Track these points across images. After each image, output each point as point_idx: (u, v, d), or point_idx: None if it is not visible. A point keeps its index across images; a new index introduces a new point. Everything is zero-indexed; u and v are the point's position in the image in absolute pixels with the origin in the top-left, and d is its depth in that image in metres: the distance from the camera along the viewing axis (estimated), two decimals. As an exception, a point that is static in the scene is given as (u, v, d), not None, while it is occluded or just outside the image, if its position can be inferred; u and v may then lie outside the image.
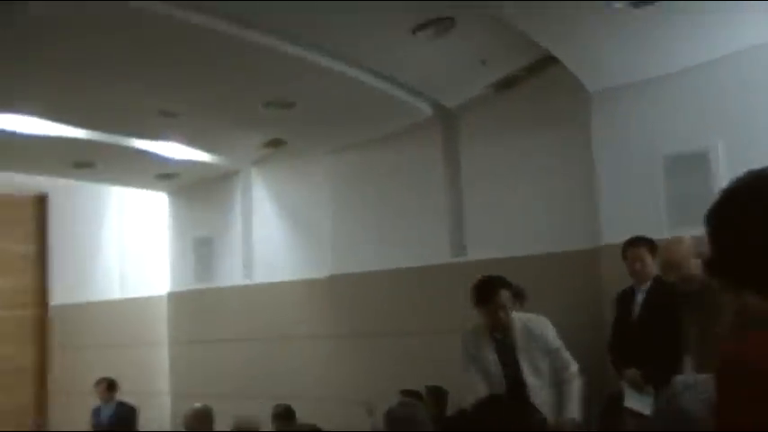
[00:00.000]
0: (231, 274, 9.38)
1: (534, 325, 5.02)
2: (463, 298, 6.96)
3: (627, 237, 5.45)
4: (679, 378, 2.69)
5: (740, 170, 4.87)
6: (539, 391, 4.86)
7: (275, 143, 8.43)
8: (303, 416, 6.85)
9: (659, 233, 5.48)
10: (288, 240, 8.91)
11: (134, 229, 10.60)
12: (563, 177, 6.69)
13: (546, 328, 5.03)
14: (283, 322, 8.68)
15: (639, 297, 5.32)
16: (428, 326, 7.37)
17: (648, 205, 5.82)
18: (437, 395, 6.64)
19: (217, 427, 6.54)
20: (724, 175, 5.41)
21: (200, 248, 9.73)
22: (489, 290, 4.92)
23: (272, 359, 8.68)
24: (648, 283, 5.25)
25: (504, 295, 4.92)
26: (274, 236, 9.01)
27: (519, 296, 5.94)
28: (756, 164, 4.91)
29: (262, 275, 9.07)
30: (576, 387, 4.91)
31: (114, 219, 10.77)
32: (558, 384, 4.95)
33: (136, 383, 9.35)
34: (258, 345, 8.88)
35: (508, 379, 4.97)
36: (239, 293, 9.22)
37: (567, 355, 5.02)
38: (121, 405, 8.65)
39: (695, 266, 4.19)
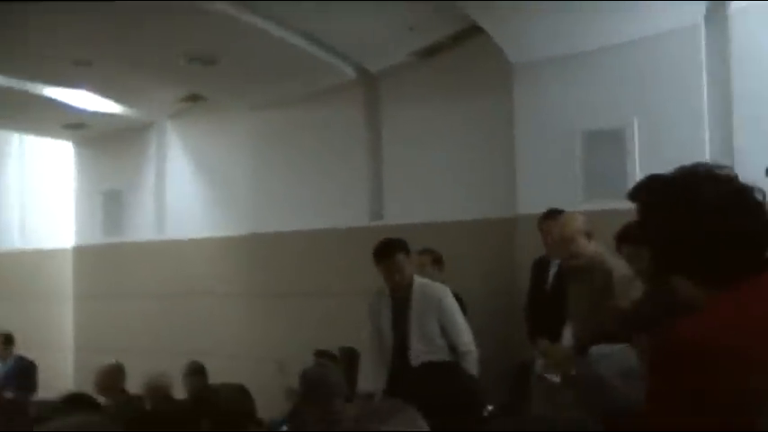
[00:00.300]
0: (142, 228, 9.18)
1: (433, 291, 5.13)
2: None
3: (542, 208, 5.61)
4: (595, 348, 2.81)
5: (654, 148, 5.08)
6: (421, 357, 4.92)
7: (193, 98, 8.24)
8: (214, 373, 6.81)
9: (574, 206, 5.59)
10: (203, 197, 8.78)
11: (37, 178, 10.20)
12: (483, 146, 6.80)
13: (444, 298, 5.13)
14: (196, 279, 8.58)
15: (553, 269, 5.47)
16: (344, 288, 7.42)
17: (565, 178, 5.98)
18: (350, 356, 6.72)
19: (127, 383, 6.45)
20: (639, 153, 5.63)
21: (109, 201, 9.48)
22: (386, 251, 5.09)
23: (184, 316, 8.59)
24: (562, 256, 5.39)
25: (401, 258, 5.06)
26: (189, 191, 8.86)
27: (437, 262, 6.06)
28: (669, 143, 5.14)
29: (174, 231, 8.90)
30: (468, 361, 4.94)
31: (15, 166, 10.32)
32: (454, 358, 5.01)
33: (37, 338, 9.07)
34: (169, 301, 8.76)
35: (396, 340, 5.13)
36: (150, 249, 9.04)
37: (461, 329, 5.09)
38: (20, 360, 8.38)
39: (584, 244, 4.36)
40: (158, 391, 6.16)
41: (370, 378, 5.20)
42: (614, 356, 2.68)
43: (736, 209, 1.63)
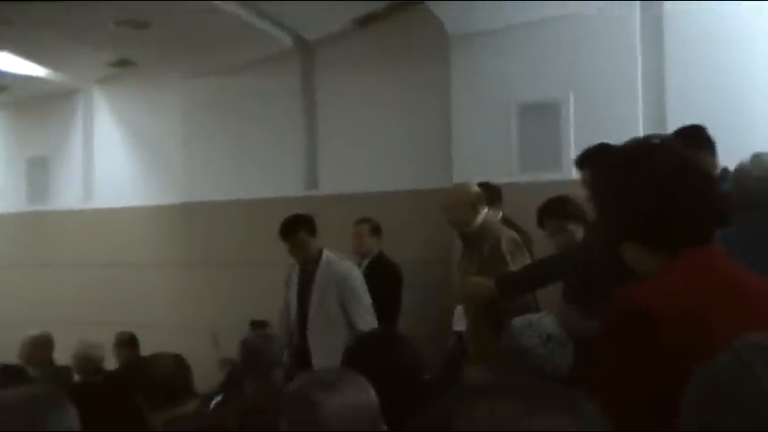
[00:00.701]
0: (69, 196, 8.92)
1: (339, 268, 5.19)
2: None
3: (477, 179, 5.66)
4: (516, 319, 2.89)
5: (589, 121, 5.19)
6: (317, 331, 5.08)
7: (123, 63, 8.01)
8: (147, 345, 6.70)
9: (510, 177, 5.80)
10: (134, 165, 8.61)
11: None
12: (420, 117, 6.83)
13: (349, 276, 5.19)
14: (127, 249, 8.43)
15: None
16: (277, 258, 7.36)
17: (501, 150, 6.05)
18: (285, 326, 6.68)
19: (56, 354, 6.30)
20: (573, 126, 5.72)
21: (34, 168, 9.18)
22: (288, 230, 5.18)
23: (114, 286, 8.43)
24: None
25: (303, 236, 5.14)
26: (118, 159, 8.67)
27: (375, 231, 6.07)
28: (603, 116, 5.25)
29: (103, 200, 8.69)
30: None
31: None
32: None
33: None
34: (99, 271, 8.56)
35: (300, 313, 5.22)
36: (77, 217, 8.82)
37: (363, 309, 5.11)
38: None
39: (468, 212, 4.50)
40: (89, 362, 6.02)
41: None
42: (534, 325, 2.77)
43: (689, 178, 1.70)
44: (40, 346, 6.15)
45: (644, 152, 1.79)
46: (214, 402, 4.48)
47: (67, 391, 4.42)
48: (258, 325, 6.36)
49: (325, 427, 1.91)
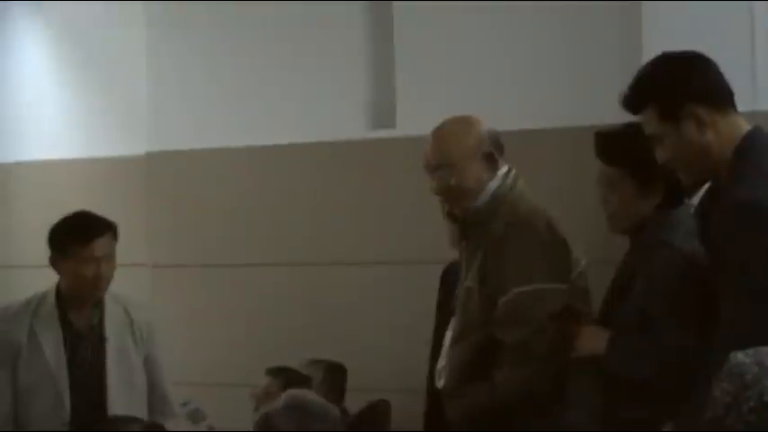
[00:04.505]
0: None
1: (138, 316, 4.05)
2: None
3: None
4: (745, 355, 1.88)
5: None
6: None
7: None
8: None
9: None
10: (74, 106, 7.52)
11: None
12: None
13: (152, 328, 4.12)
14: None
15: None
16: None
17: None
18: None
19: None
20: None
21: None
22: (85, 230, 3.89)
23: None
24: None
25: (106, 243, 3.88)
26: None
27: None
28: None
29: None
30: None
31: None
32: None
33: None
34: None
35: (79, 391, 3.88)
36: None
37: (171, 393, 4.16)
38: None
39: (477, 173, 3.37)
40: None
41: None
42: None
43: None
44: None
45: None
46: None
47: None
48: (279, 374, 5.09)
49: None
